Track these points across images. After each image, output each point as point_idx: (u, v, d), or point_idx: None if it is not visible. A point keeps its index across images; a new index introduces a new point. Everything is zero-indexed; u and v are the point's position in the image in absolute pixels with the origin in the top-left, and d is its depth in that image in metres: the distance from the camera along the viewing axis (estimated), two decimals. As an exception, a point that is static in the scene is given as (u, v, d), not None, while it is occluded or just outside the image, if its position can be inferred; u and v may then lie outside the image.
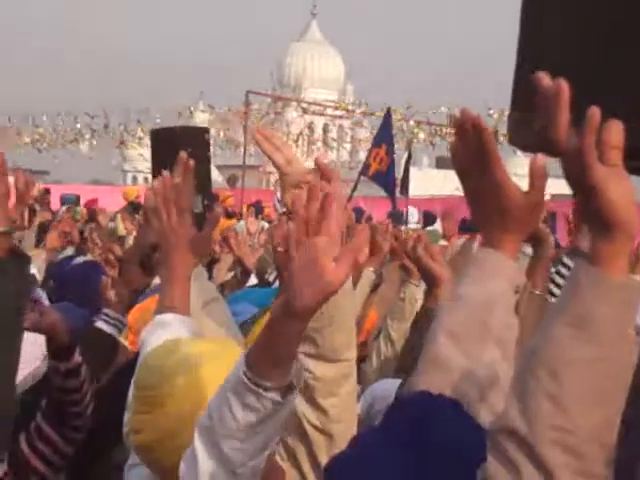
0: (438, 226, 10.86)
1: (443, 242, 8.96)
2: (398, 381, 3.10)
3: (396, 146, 13.96)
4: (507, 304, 1.59)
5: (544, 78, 1.37)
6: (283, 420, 1.70)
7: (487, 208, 1.56)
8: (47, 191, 14.94)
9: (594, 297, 1.34)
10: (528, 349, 1.40)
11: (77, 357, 3.11)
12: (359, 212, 10.63)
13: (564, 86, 1.35)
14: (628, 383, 1.36)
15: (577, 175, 1.35)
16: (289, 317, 1.60)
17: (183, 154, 2.51)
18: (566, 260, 3.47)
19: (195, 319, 2.40)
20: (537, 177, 1.49)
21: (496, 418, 1.41)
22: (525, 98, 1.57)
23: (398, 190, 13.60)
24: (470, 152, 1.53)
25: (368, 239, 4.19)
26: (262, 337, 1.65)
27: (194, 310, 2.44)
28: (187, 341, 2.15)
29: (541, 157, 1.44)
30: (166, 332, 2.28)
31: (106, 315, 3.77)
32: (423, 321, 3.43)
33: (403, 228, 10.59)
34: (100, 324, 3.75)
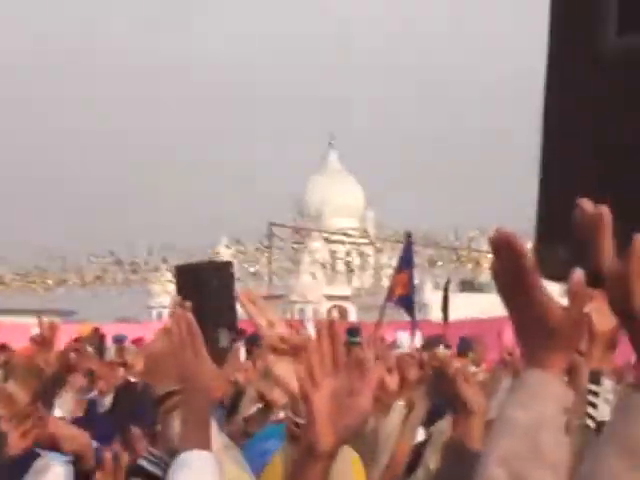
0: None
1: (474, 369, 8.85)
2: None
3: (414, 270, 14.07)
4: (557, 425, 1.56)
5: (587, 204, 1.40)
6: None
7: (531, 328, 1.55)
8: (97, 330, 14.28)
9: None
10: (579, 477, 1.38)
11: None
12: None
13: (606, 212, 1.38)
14: None
15: (621, 301, 1.36)
16: (313, 459, 1.60)
17: (180, 312, 2.50)
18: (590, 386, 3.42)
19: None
20: (576, 292, 1.49)
21: None
22: (550, 228, 1.58)
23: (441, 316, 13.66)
24: (509, 273, 1.53)
25: (386, 370, 4.12)
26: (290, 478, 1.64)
27: (215, 450, 2.42)
28: None
29: (579, 273, 1.44)
30: (191, 472, 2.26)
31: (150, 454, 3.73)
32: (450, 452, 3.34)
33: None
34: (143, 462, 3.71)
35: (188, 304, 2.49)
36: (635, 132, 1.54)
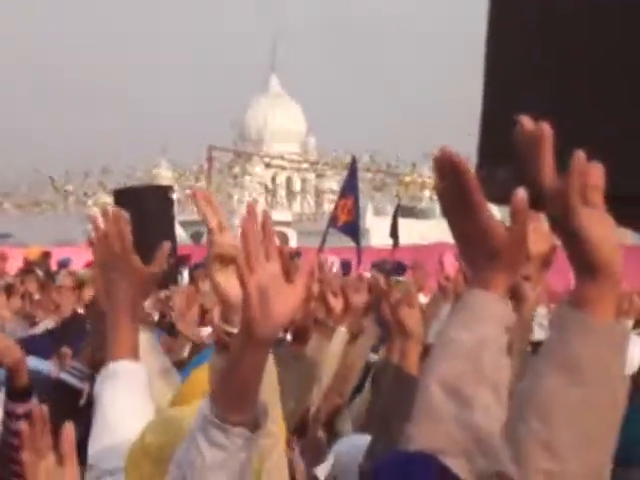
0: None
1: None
2: (365, 439, 3.05)
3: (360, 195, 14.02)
4: (499, 346, 1.56)
5: (527, 122, 1.38)
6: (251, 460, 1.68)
7: (474, 249, 1.55)
8: (47, 254, 13.76)
9: (581, 341, 1.34)
10: (517, 395, 1.40)
11: (34, 401, 3.08)
12: (347, 265, 10.58)
13: (547, 129, 1.36)
14: (618, 426, 1.36)
15: (561, 218, 1.35)
16: (251, 345, 1.63)
17: (116, 210, 2.45)
18: None
19: (150, 382, 2.38)
20: (519, 212, 1.48)
21: (488, 464, 1.40)
22: (491, 149, 1.56)
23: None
24: (453, 192, 1.51)
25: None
26: (225, 371, 1.67)
27: (149, 374, 2.41)
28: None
29: (522, 192, 1.43)
30: (120, 382, 2.26)
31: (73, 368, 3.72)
32: (387, 376, 3.35)
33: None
34: (65, 376, 3.70)
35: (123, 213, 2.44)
36: (584, 50, 1.52)
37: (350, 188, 12.99)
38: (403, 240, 14.53)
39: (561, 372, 1.34)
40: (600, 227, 1.34)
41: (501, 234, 1.52)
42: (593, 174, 1.34)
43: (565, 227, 1.36)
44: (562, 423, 1.34)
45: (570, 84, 1.51)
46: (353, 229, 12.69)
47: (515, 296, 3.25)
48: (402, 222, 15.38)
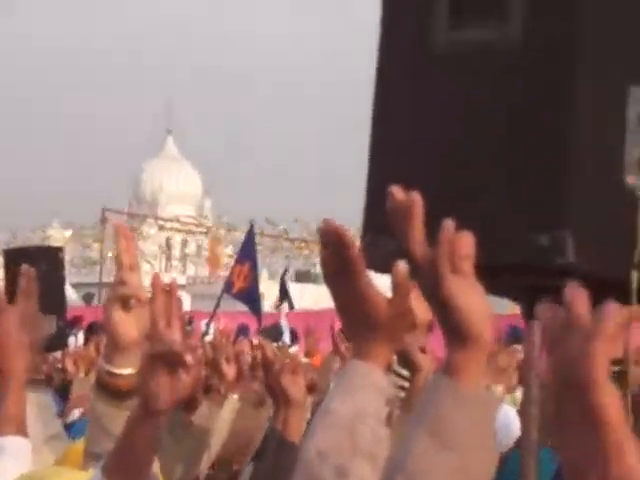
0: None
1: (305, 360, 8.87)
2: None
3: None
4: (378, 417, 1.57)
5: (397, 192, 1.40)
6: None
7: (355, 318, 1.56)
8: None
9: (450, 407, 1.35)
10: (389, 460, 1.40)
11: None
12: (244, 330, 10.50)
13: (417, 199, 1.38)
14: None
15: (431, 287, 1.36)
16: (147, 416, 1.64)
17: (26, 267, 2.43)
18: (398, 369, 3.46)
19: (35, 451, 2.33)
20: (399, 284, 1.51)
21: None
22: (375, 219, 1.60)
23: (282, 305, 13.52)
24: (336, 263, 1.53)
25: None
26: (120, 444, 1.66)
27: (35, 442, 2.36)
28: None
29: (402, 264, 1.46)
30: (6, 456, 2.22)
31: None
32: (270, 443, 3.33)
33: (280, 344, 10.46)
34: None
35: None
36: (458, 126, 1.59)
37: (247, 254, 12.91)
38: (299, 304, 14.49)
39: (431, 437, 1.35)
40: (469, 296, 1.35)
41: (382, 305, 1.53)
42: (462, 243, 1.35)
43: (435, 296, 1.37)
44: None
45: (445, 158, 1.58)
46: (248, 296, 12.59)
47: (409, 366, 3.27)
48: (296, 286, 15.37)
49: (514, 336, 8.85)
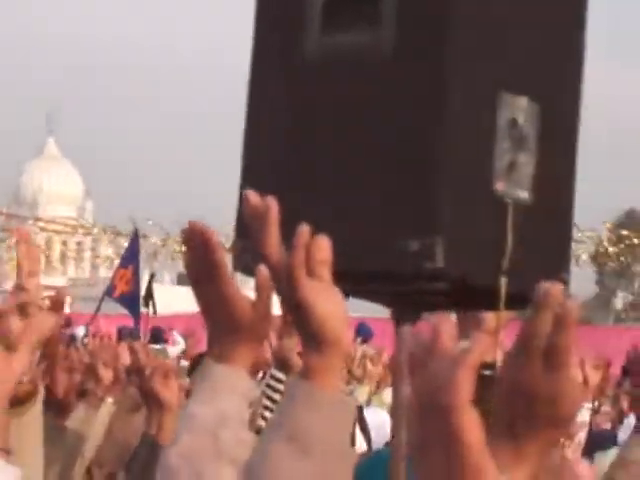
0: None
1: (185, 362, 8.78)
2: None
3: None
4: (241, 420, 1.56)
5: (252, 197, 1.39)
6: None
7: (218, 321, 1.55)
8: None
9: (307, 411, 1.34)
10: (246, 467, 1.38)
11: None
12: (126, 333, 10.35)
13: (272, 204, 1.37)
14: None
15: (286, 291, 1.36)
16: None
17: None
18: (275, 372, 3.46)
19: None
20: (261, 287, 1.50)
21: None
22: (244, 224, 1.60)
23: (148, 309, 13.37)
24: (200, 265, 1.51)
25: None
26: None
27: None
28: None
29: (264, 268, 1.44)
30: None
31: None
32: (143, 448, 3.29)
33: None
34: None
35: None
36: (328, 131, 1.58)
37: (130, 258, 12.74)
38: (182, 307, 14.39)
39: (288, 442, 1.34)
40: (326, 300, 1.35)
41: (245, 308, 1.52)
42: (318, 248, 1.35)
43: (290, 300, 1.36)
44: None
45: (314, 164, 1.57)
46: (130, 300, 12.44)
47: (286, 368, 3.28)
48: (181, 290, 15.26)
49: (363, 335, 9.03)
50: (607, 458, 4.10)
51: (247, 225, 1.41)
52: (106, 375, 3.98)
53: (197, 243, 1.49)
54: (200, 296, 1.55)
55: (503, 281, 1.62)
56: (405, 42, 1.59)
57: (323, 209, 1.55)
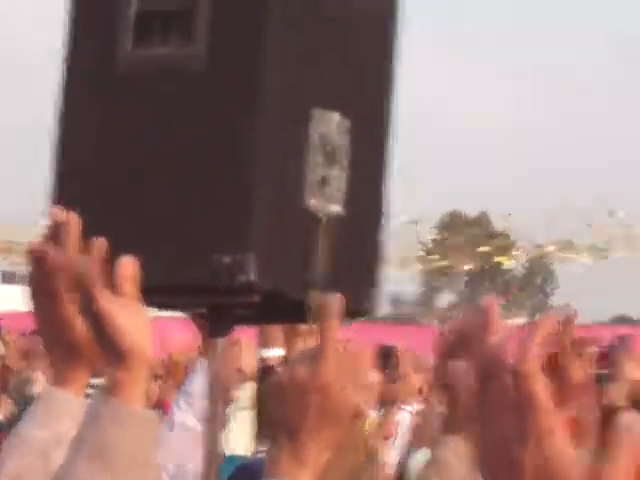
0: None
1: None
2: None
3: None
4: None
5: (57, 212, 1.42)
6: None
7: (55, 341, 1.54)
8: None
9: (110, 427, 1.34)
10: None
11: None
12: None
13: (74, 218, 1.40)
14: None
15: (85, 306, 1.37)
16: None
17: None
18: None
19: None
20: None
21: None
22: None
23: None
24: (42, 282, 1.51)
25: None
26: None
27: None
28: None
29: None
30: None
31: None
32: None
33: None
34: None
35: None
36: (140, 146, 1.58)
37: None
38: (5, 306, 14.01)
39: (91, 458, 1.34)
40: (127, 314, 1.36)
41: (80, 329, 1.51)
42: (122, 265, 1.36)
43: (89, 315, 1.37)
44: None
45: (127, 183, 1.57)
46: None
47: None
48: (7, 288, 14.82)
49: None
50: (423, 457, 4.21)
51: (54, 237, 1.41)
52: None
53: (42, 263, 1.47)
54: (38, 313, 1.53)
55: (312, 294, 1.65)
56: (218, 57, 1.60)
57: (139, 225, 1.55)
